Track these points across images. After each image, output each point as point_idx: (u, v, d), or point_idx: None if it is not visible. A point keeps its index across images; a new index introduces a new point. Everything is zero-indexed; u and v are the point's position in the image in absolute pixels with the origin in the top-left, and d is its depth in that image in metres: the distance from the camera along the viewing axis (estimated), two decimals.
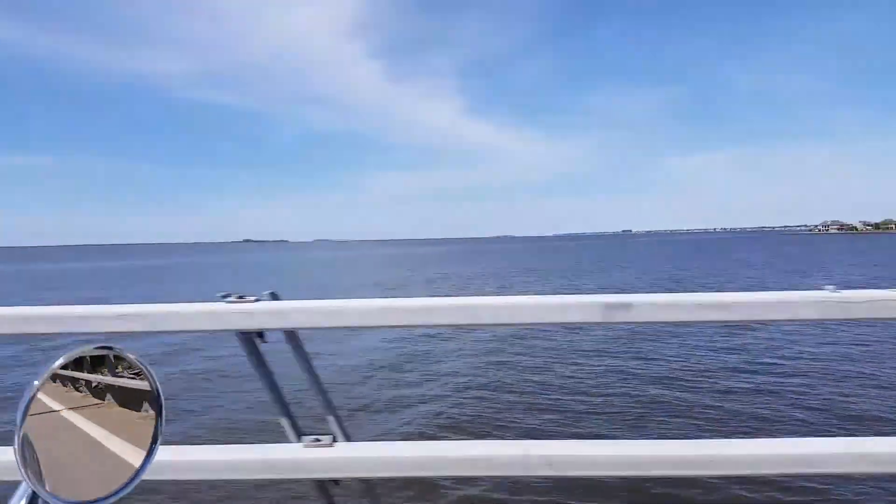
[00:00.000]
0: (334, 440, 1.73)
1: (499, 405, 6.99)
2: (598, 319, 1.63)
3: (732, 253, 55.38)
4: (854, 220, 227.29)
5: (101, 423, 0.87)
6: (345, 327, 1.75)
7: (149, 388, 0.90)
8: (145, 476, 0.87)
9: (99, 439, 0.87)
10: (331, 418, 1.77)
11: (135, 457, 0.88)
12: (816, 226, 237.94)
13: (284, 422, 1.78)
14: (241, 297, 1.72)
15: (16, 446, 0.76)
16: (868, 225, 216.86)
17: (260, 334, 1.73)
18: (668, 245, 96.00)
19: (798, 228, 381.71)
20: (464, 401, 7.22)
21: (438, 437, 5.81)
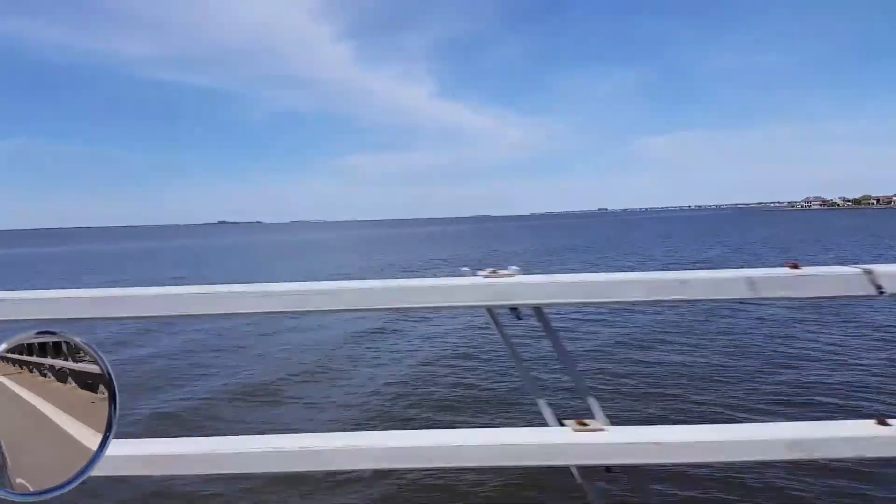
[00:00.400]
0: (601, 424, 1.64)
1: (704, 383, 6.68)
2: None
3: (731, 229, 54.93)
4: (835, 197, 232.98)
5: (54, 408, 0.86)
6: (594, 303, 1.65)
7: (100, 372, 0.88)
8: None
9: (54, 424, 0.85)
10: (592, 400, 1.65)
11: (91, 442, 0.86)
12: (799, 202, 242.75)
13: (541, 403, 1.68)
14: (494, 272, 1.63)
15: None
16: (847, 201, 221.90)
17: (514, 310, 1.63)
18: (660, 223, 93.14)
19: (777, 206, 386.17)
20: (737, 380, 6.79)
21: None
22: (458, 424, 5.42)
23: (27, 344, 0.84)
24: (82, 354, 0.88)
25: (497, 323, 1.67)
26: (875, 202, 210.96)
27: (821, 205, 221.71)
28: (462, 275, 1.64)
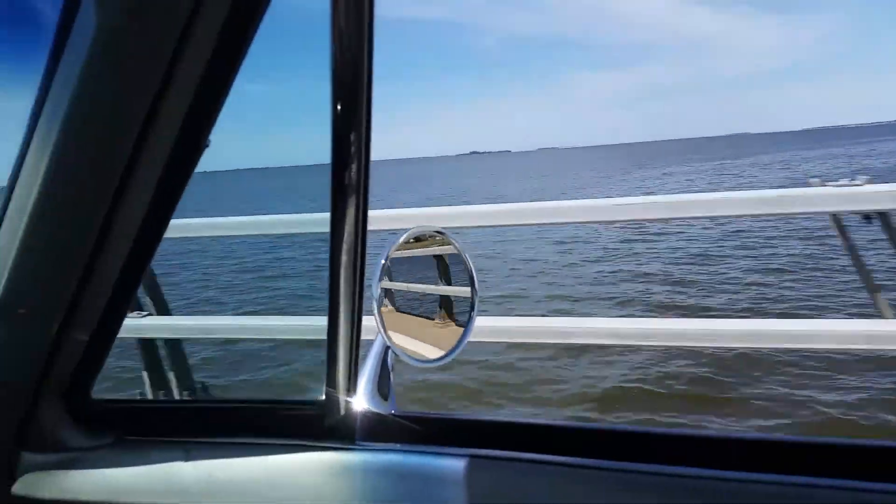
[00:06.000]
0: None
1: None
2: None
3: None
4: None
5: (430, 295, 1.02)
6: None
7: (467, 269, 1.03)
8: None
9: (429, 309, 1.02)
10: None
11: (458, 326, 1.02)
12: None
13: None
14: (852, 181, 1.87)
15: (375, 309, 0.92)
16: None
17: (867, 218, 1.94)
18: None
19: None
20: None
21: None
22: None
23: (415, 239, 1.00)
24: (451, 249, 1.02)
25: (841, 230, 1.81)
26: None
27: None
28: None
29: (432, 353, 0.98)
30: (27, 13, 0.75)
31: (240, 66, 0.65)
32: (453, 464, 0.74)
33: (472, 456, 0.75)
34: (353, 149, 0.66)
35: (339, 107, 0.63)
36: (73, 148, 0.68)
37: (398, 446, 0.80)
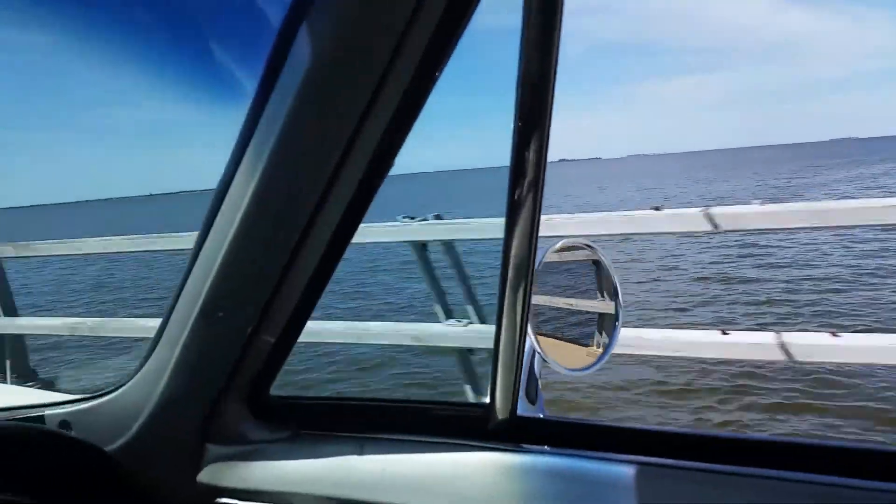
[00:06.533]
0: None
1: None
2: None
3: None
4: None
5: (576, 305, 1.05)
6: None
7: (610, 281, 1.05)
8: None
9: (575, 319, 1.05)
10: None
11: (603, 336, 1.04)
12: None
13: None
14: None
15: (528, 317, 0.95)
16: None
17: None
18: None
19: None
20: None
21: None
22: None
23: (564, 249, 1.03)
24: (599, 264, 1.05)
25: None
26: None
27: None
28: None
29: (579, 361, 1.01)
30: (249, 36, 0.83)
31: (433, 87, 0.70)
32: (620, 470, 0.76)
33: (640, 463, 0.76)
34: (530, 162, 0.67)
35: (520, 122, 0.65)
36: (281, 167, 0.75)
37: (562, 450, 0.82)
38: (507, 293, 0.76)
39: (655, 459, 0.77)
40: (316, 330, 3.69)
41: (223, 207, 0.80)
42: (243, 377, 0.92)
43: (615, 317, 1.04)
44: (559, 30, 0.60)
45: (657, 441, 0.82)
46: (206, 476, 0.96)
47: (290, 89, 0.70)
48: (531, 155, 0.67)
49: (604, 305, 1.05)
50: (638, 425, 0.89)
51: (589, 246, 1.03)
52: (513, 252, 0.73)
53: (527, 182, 0.68)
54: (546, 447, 0.84)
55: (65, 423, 1.00)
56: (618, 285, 1.05)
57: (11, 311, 4.95)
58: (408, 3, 0.63)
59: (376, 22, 0.65)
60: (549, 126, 0.66)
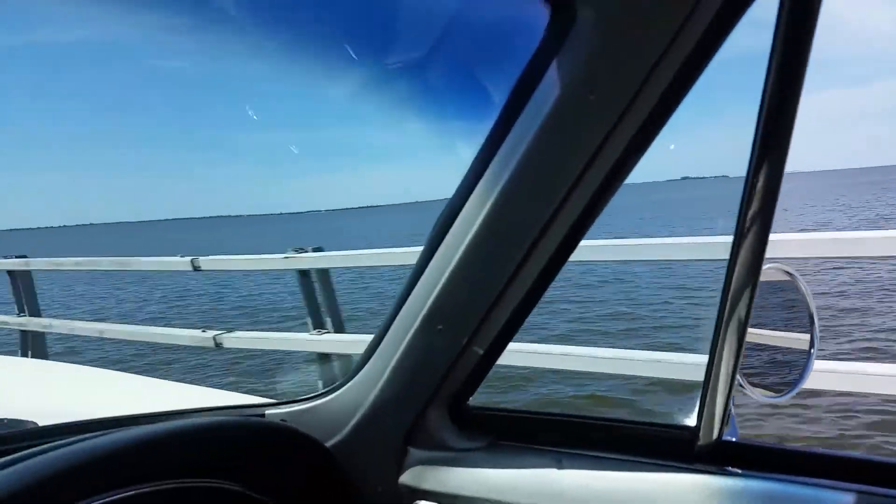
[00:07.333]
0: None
1: None
2: None
3: None
4: None
5: (772, 332, 1.05)
6: None
7: (808, 308, 1.03)
8: None
9: (770, 345, 1.05)
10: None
11: (798, 364, 1.03)
12: None
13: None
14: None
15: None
16: None
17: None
18: None
19: None
20: None
21: None
22: None
23: None
24: (797, 290, 1.04)
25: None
26: None
27: None
28: None
29: (773, 389, 1.00)
30: (496, 63, 0.89)
31: (671, 116, 0.72)
32: (835, 498, 0.74)
33: (858, 492, 0.74)
34: (764, 188, 0.66)
35: (762, 147, 0.64)
36: (519, 191, 0.79)
37: (771, 475, 0.80)
38: (725, 318, 0.76)
39: (870, 488, 0.75)
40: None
41: (454, 226, 0.85)
42: (450, 387, 0.96)
43: (811, 343, 1.02)
44: (809, 49, 0.59)
45: (871, 469, 0.79)
46: (407, 478, 1.00)
47: (536, 119, 0.74)
48: (766, 181, 0.66)
49: (800, 333, 1.04)
50: (847, 453, 0.86)
51: (790, 274, 1.03)
52: (735, 277, 0.73)
53: (758, 207, 0.67)
54: (754, 471, 0.82)
55: (283, 421, 1.09)
56: (815, 313, 1.04)
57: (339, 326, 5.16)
58: (666, 33, 0.64)
59: (632, 49, 0.67)
60: (787, 153, 0.64)
